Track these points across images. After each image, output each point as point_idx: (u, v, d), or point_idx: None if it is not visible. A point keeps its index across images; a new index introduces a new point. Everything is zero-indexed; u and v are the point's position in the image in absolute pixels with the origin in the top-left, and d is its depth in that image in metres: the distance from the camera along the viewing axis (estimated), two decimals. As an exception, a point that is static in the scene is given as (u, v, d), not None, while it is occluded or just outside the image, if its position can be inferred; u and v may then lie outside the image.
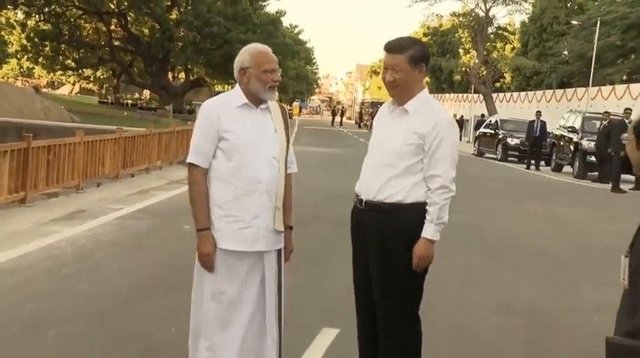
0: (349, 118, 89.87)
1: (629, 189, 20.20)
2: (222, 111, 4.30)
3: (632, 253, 2.63)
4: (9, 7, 44.50)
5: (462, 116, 48.66)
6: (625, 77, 47.73)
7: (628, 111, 22.61)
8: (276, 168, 4.32)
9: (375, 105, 57.07)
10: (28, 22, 52.09)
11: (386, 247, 4.15)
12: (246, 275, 4.30)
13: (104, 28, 54.00)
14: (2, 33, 52.02)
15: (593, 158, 23.66)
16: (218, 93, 35.31)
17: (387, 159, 4.19)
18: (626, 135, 2.85)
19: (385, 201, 4.15)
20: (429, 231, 4.10)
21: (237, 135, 4.24)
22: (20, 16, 51.38)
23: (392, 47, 4.20)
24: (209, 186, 4.30)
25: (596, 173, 23.36)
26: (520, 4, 55.19)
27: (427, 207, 4.13)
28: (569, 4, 59.55)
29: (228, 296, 4.28)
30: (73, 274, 7.49)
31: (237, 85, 4.37)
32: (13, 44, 53.43)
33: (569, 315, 7.24)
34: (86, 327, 5.82)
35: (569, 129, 26.62)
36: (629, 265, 2.64)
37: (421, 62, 4.20)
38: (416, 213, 4.13)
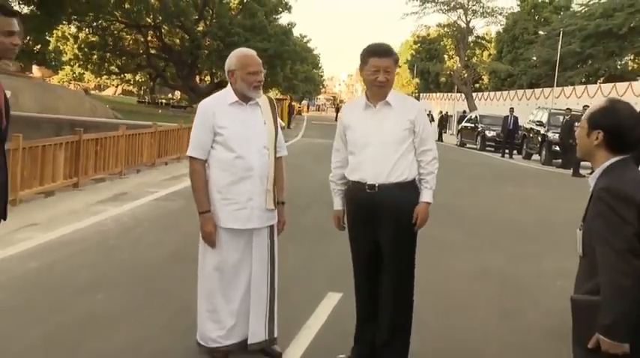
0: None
1: (587, 174, 20.13)
2: (217, 108, 4.28)
3: (583, 226, 2.68)
4: (64, 22, 44.48)
5: (447, 112, 48.44)
6: (584, 79, 47.53)
7: (586, 107, 22.42)
8: (266, 155, 4.31)
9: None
10: (80, 35, 51.94)
11: (400, 218, 4.19)
12: (244, 249, 4.33)
13: (142, 39, 53.83)
14: (58, 44, 51.93)
15: (557, 148, 23.59)
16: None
17: (388, 147, 4.17)
18: (577, 124, 2.91)
19: (395, 182, 4.17)
20: (428, 196, 4.26)
21: (229, 129, 4.23)
22: (73, 29, 51.19)
23: (385, 51, 4.17)
24: (209, 173, 4.30)
25: (560, 160, 23.29)
26: (495, 17, 55.10)
27: (425, 177, 4.26)
28: (536, 17, 59.15)
29: (229, 267, 4.31)
30: (117, 246, 7.54)
31: (229, 84, 4.35)
32: (67, 53, 53.31)
33: (536, 281, 7.24)
34: (129, 291, 5.87)
35: (538, 123, 26.59)
36: (582, 236, 2.69)
37: (397, 64, 4.25)
38: (414, 186, 4.27)
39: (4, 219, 3.75)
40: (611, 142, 2.68)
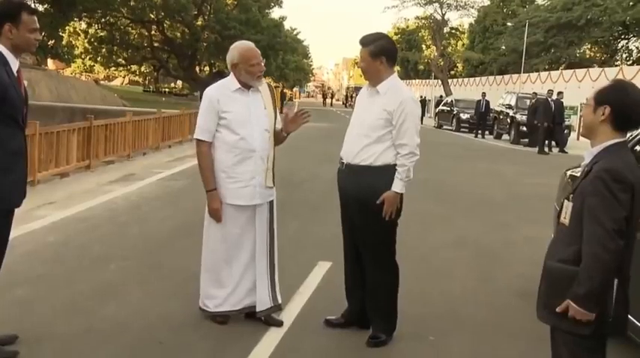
0: (337, 100, 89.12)
1: (550, 152, 20.27)
2: (221, 95, 4.27)
3: (574, 198, 2.62)
4: (75, 19, 44.05)
5: (425, 97, 48.24)
6: (547, 66, 47.50)
7: (550, 91, 22.51)
8: (267, 137, 4.30)
9: (358, 89, 56.80)
10: (90, 30, 51.33)
11: (362, 199, 4.10)
12: (246, 223, 4.32)
13: (146, 33, 53.19)
14: (70, 39, 51.32)
15: (524, 128, 23.68)
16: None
17: (363, 131, 4.12)
18: (584, 102, 2.87)
19: (360, 164, 4.09)
20: (397, 186, 4.05)
21: (233, 114, 4.22)
22: (83, 25, 50.62)
23: (360, 41, 4.15)
24: (215, 155, 4.27)
25: (527, 139, 23.35)
26: (468, 10, 55.02)
27: (397, 168, 4.06)
28: (505, 10, 58.94)
29: (232, 240, 4.31)
30: (127, 222, 7.51)
31: (232, 73, 4.33)
32: (78, 47, 52.72)
33: (506, 247, 7.28)
34: (138, 262, 5.86)
35: (507, 106, 26.61)
36: (572, 207, 2.63)
37: (380, 55, 4.07)
38: (385, 172, 4.06)
39: (24, 197, 3.77)
40: (616, 118, 2.59)
